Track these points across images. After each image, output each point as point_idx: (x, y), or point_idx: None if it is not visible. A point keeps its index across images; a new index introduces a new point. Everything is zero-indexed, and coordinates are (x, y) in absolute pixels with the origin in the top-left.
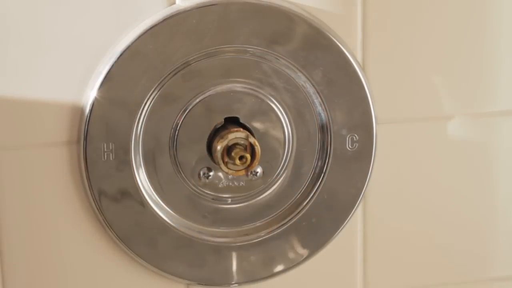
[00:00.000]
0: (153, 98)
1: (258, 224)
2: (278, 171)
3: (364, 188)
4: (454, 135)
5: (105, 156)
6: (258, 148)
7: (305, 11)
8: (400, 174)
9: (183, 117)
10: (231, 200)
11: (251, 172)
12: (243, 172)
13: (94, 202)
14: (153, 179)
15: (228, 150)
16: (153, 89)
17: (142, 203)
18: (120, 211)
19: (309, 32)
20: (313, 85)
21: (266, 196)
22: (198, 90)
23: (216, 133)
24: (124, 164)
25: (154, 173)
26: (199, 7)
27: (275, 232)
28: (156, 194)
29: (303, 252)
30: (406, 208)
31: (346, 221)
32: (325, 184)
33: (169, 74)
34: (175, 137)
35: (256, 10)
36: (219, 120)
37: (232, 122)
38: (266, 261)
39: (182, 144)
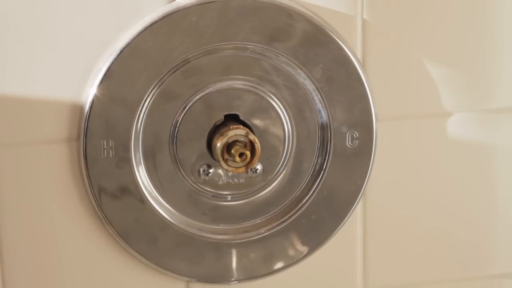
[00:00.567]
0: (153, 95)
1: (258, 221)
2: (278, 168)
3: (364, 185)
4: (454, 132)
5: (105, 153)
6: (258, 145)
7: (305, 8)
8: (400, 171)
9: (183, 114)
10: (231, 197)
11: (251, 169)
12: (243, 169)
13: (94, 199)
14: (153, 176)
15: (228, 147)
16: (153, 86)
17: (142, 200)
18: (120, 208)
19: (309, 29)
20: (313, 82)
21: (266, 193)
22: (198, 87)
23: (216, 130)
24: (124, 161)
25: (154, 170)
26: (199, 4)
27: (275, 229)
28: (156, 191)
29: (303, 249)
30: (406, 205)
31: (346, 218)
32: (325, 181)
33: (169, 71)
34: (175, 134)
35: (255, 7)
36: (219, 117)
37: (232, 119)
38: (266, 258)
39: (182, 141)
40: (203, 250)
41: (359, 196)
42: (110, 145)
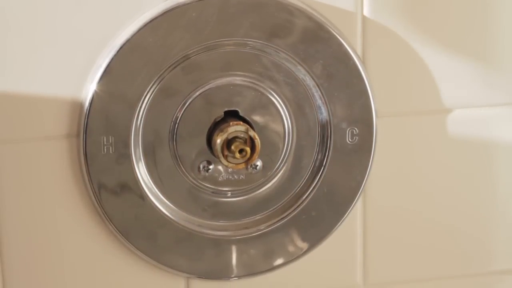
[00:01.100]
0: (152, 92)
1: (258, 218)
2: (278, 164)
3: (364, 182)
4: (454, 129)
5: (105, 149)
6: (258, 142)
7: (305, 4)
8: (400, 168)
9: (182, 110)
10: (231, 194)
11: (251, 166)
12: (243, 166)
13: (93, 195)
14: (152, 172)
15: (228, 143)
16: (152, 82)
17: (142, 196)
18: (119, 205)
19: (309, 26)
20: (313, 79)
21: (266, 189)
22: (197, 84)
23: (216, 126)
24: (124, 158)
25: (154, 167)
26: (199, 0)
27: (275, 226)
28: (156, 187)
29: (303, 245)
30: (405, 201)
31: (346, 214)
32: (325, 177)
33: (169, 67)
34: (175, 130)
35: (255, 3)
36: (219, 113)
37: (232, 115)
38: (266, 255)
39: (182, 137)
40: (203, 247)
41: (359, 192)
42: (110, 141)
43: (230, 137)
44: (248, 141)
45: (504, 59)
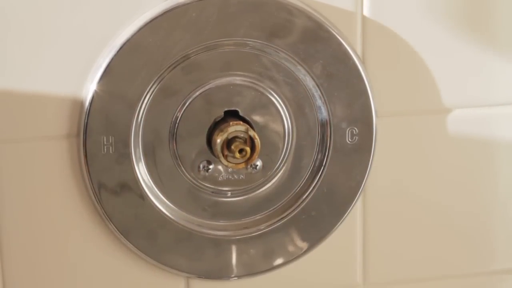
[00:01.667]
0: (152, 91)
1: (257, 217)
2: (277, 164)
3: (364, 181)
4: (453, 128)
5: (105, 149)
6: (257, 141)
7: (304, 4)
8: (400, 167)
9: (182, 110)
10: (231, 193)
11: (251, 165)
12: (242, 165)
13: (94, 195)
14: (152, 172)
15: (228, 143)
16: (152, 82)
17: (142, 196)
18: (120, 204)
19: (308, 25)
20: (312, 78)
21: (265, 189)
22: (197, 83)
23: (215, 126)
24: (124, 157)
25: (154, 166)
26: (199, 0)
27: (274, 225)
28: (156, 187)
29: (303, 245)
30: (405, 201)
31: (346, 214)
32: (325, 177)
33: (169, 67)
34: (175, 130)
35: (255, 3)
36: (219, 113)
37: (232, 115)
38: (265, 254)
39: (181, 137)
40: (203, 246)
41: (359, 192)
42: (110, 141)
43: (230, 137)
44: (248, 141)
45: (504, 59)
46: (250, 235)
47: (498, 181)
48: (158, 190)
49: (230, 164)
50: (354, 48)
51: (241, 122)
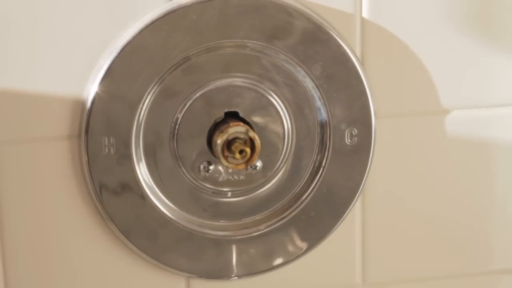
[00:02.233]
0: (153, 93)
1: (257, 218)
2: (277, 165)
3: (363, 182)
4: (452, 129)
5: (106, 150)
6: (258, 142)
7: (304, 6)
8: (399, 168)
9: (183, 111)
10: (231, 194)
11: (251, 166)
12: (243, 166)
13: (95, 195)
14: (153, 172)
15: (228, 144)
16: (153, 83)
17: (143, 196)
18: (120, 205)
19: (308, 27)
20: (312, 80)
21: (265, 189)
22: (198, 85)
23: (216, 127)
24: (125, 158)
25: (155, 167)
26: (199, 2)
27: (274, 226)
28: (157, 187)
29: (303, 245)
30: (404, 201)
31: (345, 214)
32: (324, 178)
33: (170, 68)
34: (176, 131)
35: (255, 5)
36: (219, 114)
37: (232, 116)
38: (265, 254)
39: (182, 138)
40: (203, 246)
41: (358, 193)
42: (111, 142)
43: (230, 137)
44: (248, 141)
45: (502, 60)
46: (250, 235)
47: (496, 182)
48: (159, 190)
49: (230, 165)
50: (353, 50)
51: (241, 123)
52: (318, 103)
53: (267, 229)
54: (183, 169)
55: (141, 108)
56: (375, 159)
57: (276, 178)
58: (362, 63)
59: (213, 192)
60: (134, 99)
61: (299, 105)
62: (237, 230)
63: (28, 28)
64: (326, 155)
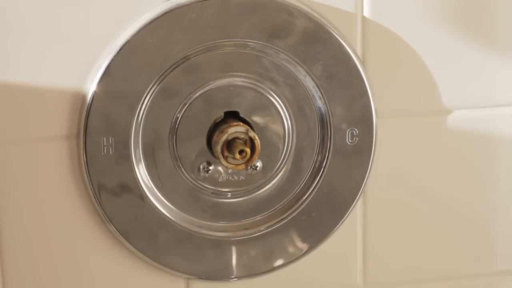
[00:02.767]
0: (152, 92)
1: (258, 218)
2: (278, 165)
3: (364, 182)
4: (454, 129)
5: (105, 150)
6: (258, 142)
7: (305, 5)
8: (400, 168)
9: (183, 111)
10: (231, 194)
11: (251, 166)
12: (243, 166)
13: (93, 196)
14: (152, 173)
15: (228, 144)
16: (152, 83)
17: (142, 197)
18: (119, 205)
19: (309, 26)
20: (313, 79)
21: (266, 190)
22: (197, 84)
23: (216, 127)
24: (124, 158)
25: (154, 167)
26: (199, 1)
27: (275, 226)
28: (156, 188)
29: (303, 246)
30: (406, 202)
31: (346, 215)
32: (325, 178)
33: (169, 68)
34: (175, 131)
35: (255, 4)
36: (219, 114)
37: (232, 116)
38: (266, 255)
39: (182, 138)
40: (203, 247)
41: (359, 193)
42: (110, 142)
43: (230, 138)
44: (248, 142)
45: (504, 60)
46: (250, 236)
47: (499, 182)
48: (158, 191)
49: (230, 165)
50: (354, 49)
51: (241, 123)
52: (319, 103)
53: (267, 230)
54: (183, 170)
55: (140, 108)
56: (376, 160)
57: (277, 178)
58: (363, 63)
59: (212, 193)
60: (133, 99)
61: (300, 105)
62: (237, 231)
63: (26, 27)
64: (326, 155)
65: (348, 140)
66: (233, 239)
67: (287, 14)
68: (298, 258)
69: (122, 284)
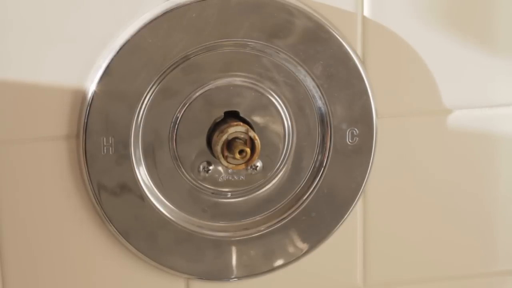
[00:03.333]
0: (152, 92)
1: (258, 219)
2: (278, 165)
3: (364, 183)
4: (454, 129)
5: (105, 150)
6: (258, 142)
7: (305, 4)
8: (400, 168)
9: (183, 111)
10: (231, 194)
11: (251, 166)
12: (243, 166)
13: (93, 196)
14: (152, 173)
15: (228, 144)
16: (152, 83)
17: (142, 197)
18: (119, 205)
19: (309, 26)
20: (313, 79)
21: (266, 190)
22: (197, 84)
23: (216, 127)
24: (124, 158)
25: (154, 167)
26: (199, 1)
27: (275, 227)
28: (156, 188)
29: (303, 246)
30: (406, 202)
31: (346, 215)
32: (325, 178)
33: (169, 68)
34: (175, 131)
35: (255, 3)
36: (219, 114)
37: (232, 116)
38: (266, 256)
39: (182, 138)
40: (203, 247)
41: (359, 193)
42: (110, 142)
43: (230, 138)
44: (248, 142)
45: (504, 59)
46: (250, 236)
47: (500, 182)
48: (158, 191)
49: (230, 165)
50: (354, 49)
51: (241, 123)
52: (319, 103)
53: (267, 230)
54: (183, 169)
55: (140, 108)
56: (376, 159)
57: (277, 178)
58: (363, 62)
59: (212, 193)
60: (133, 99)
61: (300, 105)
62: (237, 231)
63: (26, 27)
64: (327, 155)
65: (348, 140)
66: (233, 239)
67: (287, 13)
68: (298, 258)
69: (122, 284)
